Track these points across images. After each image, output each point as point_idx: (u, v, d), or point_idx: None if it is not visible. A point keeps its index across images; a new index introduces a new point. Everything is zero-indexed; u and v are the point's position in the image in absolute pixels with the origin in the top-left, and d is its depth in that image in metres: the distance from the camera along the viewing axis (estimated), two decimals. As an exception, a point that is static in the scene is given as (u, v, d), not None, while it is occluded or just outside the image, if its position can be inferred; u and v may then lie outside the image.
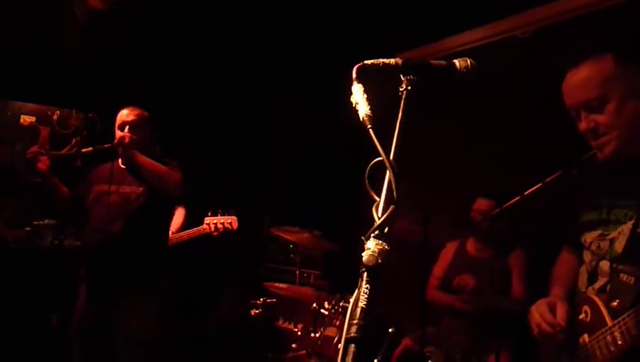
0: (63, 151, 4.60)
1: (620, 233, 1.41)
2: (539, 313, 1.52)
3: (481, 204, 3.18)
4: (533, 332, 1.54)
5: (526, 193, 2.53)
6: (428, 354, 2.80)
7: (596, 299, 1.42)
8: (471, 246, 3.35)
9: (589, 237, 1.50)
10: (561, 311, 1.49)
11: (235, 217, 3.02)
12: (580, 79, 1.46)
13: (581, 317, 1.45)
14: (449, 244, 3.44)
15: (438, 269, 3.38)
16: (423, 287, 2.89)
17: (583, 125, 1.46)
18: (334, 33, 4.22)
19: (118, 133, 2.78)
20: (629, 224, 1.39)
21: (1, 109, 4.41)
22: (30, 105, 4.51)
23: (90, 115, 4.65)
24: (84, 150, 2.94)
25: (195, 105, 4.51)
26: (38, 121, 4.55)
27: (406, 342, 3.07)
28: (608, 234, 1.44)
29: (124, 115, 2.84)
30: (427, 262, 2.85)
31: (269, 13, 4.17)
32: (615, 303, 1.34)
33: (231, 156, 4.58)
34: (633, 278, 1.33)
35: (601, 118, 1.42)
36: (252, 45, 4.44)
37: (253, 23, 4.29)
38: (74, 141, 4.56)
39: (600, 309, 1.38)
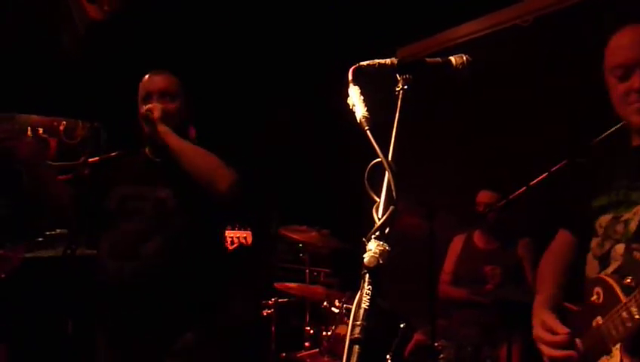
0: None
1: (635, 213, 1.39)
2: (541, 341, 1.52)
3: (485, 196, 3.18)
4: None
5: (532, 183, 2.53)
6: (439, 347, 2.81)
7: (608, 278, 1.40)
8: (478, 238, 3.35)
9: (603, 220, 1.49)
10: (551, 321, 1.49)
11: (249, 232, 2.94)
12: (629, 40, 1.46)
13: (593, 299, 1.43)
14: (456, 238, 3.43)
15: (448, 264, 3.38)
16: (431, 281, 2.89)
17: (636, 82, 1.43)
18: (334, 28, 4.22)
19: (144, 108, 1.97)
20: None
21: (8, 122, 4.47)
22: (37, 117, 4.56)
23: (95, 125, 4.70)
24: (90, 160, 2.95)
25: (198, 107, 4.52)
26: (46, 133, 4.60)
27: (417, 336, 3.07)
28: (621, 216, 1.43)
29: (154, 81, 2.04)
30: (434, 256, 2.85)
31: (267, 10, 4.18)
32: (628, 280, 1.32)
33: (237, 156, 4.59)
34: None
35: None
36: (254, 44, 4.46)
37: (252, 22, 4.31)
38: (84, 154, 4.60)
39: (613, 288, 1.36)
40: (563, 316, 1.53)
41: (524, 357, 2.92)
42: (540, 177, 2.45)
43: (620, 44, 1.48)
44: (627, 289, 1.32)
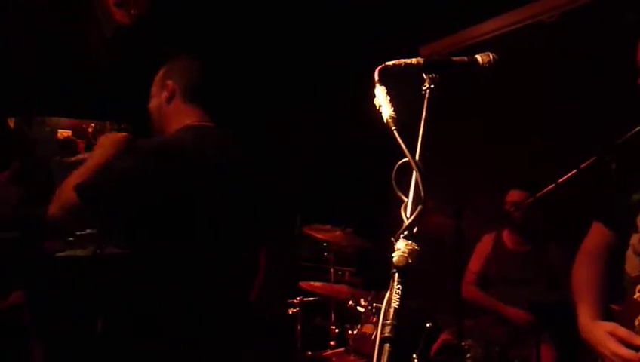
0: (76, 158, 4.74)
1: None
2: (621, 358, 1.38)
3: (514, 195, 3.14)
4: None
5: (560, 180, 2.49)
6: (466, 346, 2.78)
7: None
8: (508, 239, 3.30)
9: None
10: (626, 335, 1.39)
11: None
12: None
13: (636, 296, 1.41)
14: (485, 237, 3.38)
15: (475, 263, 3.33)
16: (458, 280, 2.87)
17: None
18: (356, 28, 4.22)
19: None
20: None
21: (39, 125, 4.58)
22: (66, 120, 4.66)
23: (122, 126, 4.79)
24: None
25: (226, 105, 4.57)
26: (75, 135, 4.70)
27: (444, 336, 3.06)
28: None
29: None
30: (461, 256, 2.83)
31: (288, 10, 4.20)
32: None
33: (262, 157, 4.63)
34: None
35: None
36: (277, 45, 4.48)
37: (275, 23, 4.33)
38: None
39: None
40: (606, 317, 1.51)
41: (554, 358, 2.88)
42: (569, 174, 2.41)
43: None
44: None
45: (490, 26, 3.86)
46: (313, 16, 4.15)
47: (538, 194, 2.59)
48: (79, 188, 1.59)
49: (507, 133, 3.62)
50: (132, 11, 3.73)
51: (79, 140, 4.91)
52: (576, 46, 3.31)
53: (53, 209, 1.62)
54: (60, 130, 4.85)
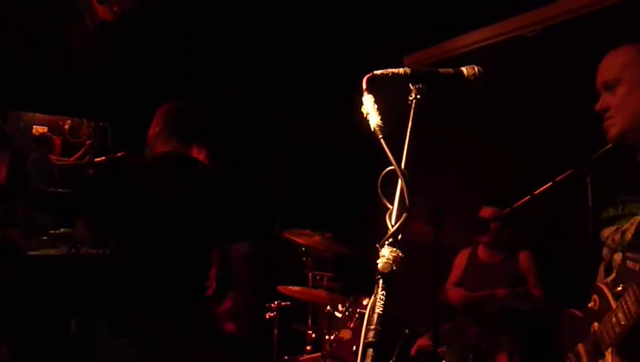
0: (72, 160, 4.67)
1: (631, 224, 1.44)
2: None
3: (487, 211, 3.24)
4: None
5: (536, 192, 2.54)
6: (442, 353, 2.82)
7: (603, 286, 1.46)
8: (482, 252, 3.43)
9: (607, 232, 1.54)
10: None
11: None
12: (606, 61, 1.56)
13: (590, 305, 1.50)
14: (461, 252, 3.52)
15: (454, 276, 3.48)
16: (435, 287, 2.91)
17: (597, 105, 1.54)
18: (343, 36, 4.25)
19: None
20: None
21: (14, 120, 4.49)
22: (42, 116, 4.58)
23: (101, 124, 4.73)
24: (97, 159, 2.99)
25: (206, 110, 4.55)
26: (51, 131, 4.62)
27: (421, 341, 3.09)
28: (622, 227, 1.48)
29: None
30: (439, 262, 2.87)
31: (277, 19, 4.21)
32: (619, 288, 1.37)
33: (242, 160, 4.62)
34: (638, 264, 1.36)
35: (612, 100, 1.51)
36: (262, 49, 4.48)
37: (263, 29, 4.33)
38: (88, 143, 4.63)
39: (606, 295, 1.43)
40: (569, 322, 1.57)
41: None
42: (544, 187, 2.47)
43: (600, 65, 1.57)
44: (618, 297, 1.37)
45: (473, 38, 3.93)
46: (298, 25, 4.17)
47: (515, 206, 2.64)
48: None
49: (486, 143, 3.69)
50: (115, 8, 3.69)
51: (55, 137, 4.85)
52: (555, 60, 3.40)
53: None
54: (35, 126, 4.77)
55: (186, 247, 2.27)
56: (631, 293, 1.26)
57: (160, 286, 2.17)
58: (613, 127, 1.51)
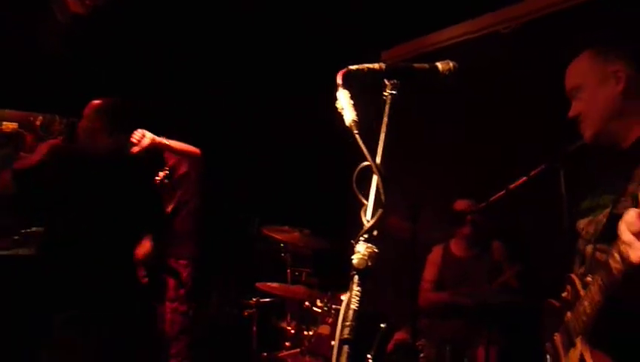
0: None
1: (604, 215, 1.46)
2: None
3: (461, 204, 3.27)
4: None
5: (511, 187, 2.58)
6: (420, 346, 2.84)
7: (575, 277, 1.50)
8: (455, 247, 3.44)
9: (582, 223, 1.57)
10: None
11: None
12: (569, 69, 1.62)
13: (564, 295, 1.54)
14: (435, 248, 3.52)
15: (429, 273, 3.46)
16: (413, 282, 2.93)
17: (569, 112, 1.60)
18: (321, 32, 4.23)
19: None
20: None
21: (-17, 116, 4.37)
22: (12, 112, 4.46)
23: (72, 121, 4.62)
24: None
25: (179, 106, 4.49)
26: (21, 127, 4.50)
27: (398, 335, 3.11)
28: (595, 219, 1.50)
29: None
30: (416, 257, 2.89)
31: (254, 14, 4.17)
32: (589, 278, 1.39)
33: (219, 156, 4.58)
34: (605, 255, 1.39)
35: (579, 106, 1.57)
36: (240, 45, 4.44)
37: (240, 24, 4.29)
38: (59, 139, 4.52)
39: (576, 285, 1.46)
40: (549, 312, 1.61)
41: (501, 357, 2.98)
42: (519, 181, 2.50)
43: (566, 75, 1.62)
44: (586, 287, 1.39)
45: (450, 34, 3.96)
46: (276, 21, 4.14)
47: (490, 200, 2.67)
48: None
49: (463, 139, 3.72)
50: (87, 1, 3.61)
51: (27, 133, 4.72)
52: (530, 57, 3.44)
53: None
54: (4, 123, 4.64)
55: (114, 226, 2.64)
56: (595, 283, 1.29)
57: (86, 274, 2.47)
58: (586, 131, 1.57)
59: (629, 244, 1.05)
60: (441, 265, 3.44)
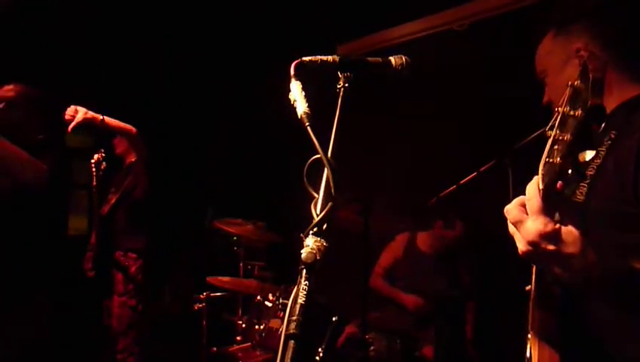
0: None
1: None
2: None
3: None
4: None
5: (461, 182, 2.63)
6: (370, 339, 2.87)
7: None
8: (422, 242, 3.43)
9: None
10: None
11: None
12: (536, 56, 1.51)
13: (527, 288, 1.54)
14: (399, 237, 3.49)
15: (386, 259, 3.45)
16: (364, 276, 2.95)
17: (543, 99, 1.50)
18: (273, 23, 4.19)
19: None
20: None
21: None
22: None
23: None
24: None
25: (129, 99, 4.35)
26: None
27: (349, 329, 3.12)
28: None
29: None
30: (368, 252, 2.91)
31: (206, 5, 4.08)
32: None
33: (172, 149, 4.47)
34: None
35: (547, 91, 1.47)
36: (191, 37, 4.33)
37: (194, 16, 4.19)
38: None
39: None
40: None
41: (451, 349, 3.05)
42: (469, 176, 2.56)
43: (536, 55, 1.53)
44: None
45: (406, 30, 3.99)
46: (232, 12, 4.07)
47: (440, 195, 2.72)
48: None
49: (415, 133, 3.77)
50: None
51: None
52: (483, 54, 3.52)
53: None
54: None
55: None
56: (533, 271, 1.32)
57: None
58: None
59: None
60: (402, 255, 3.42)
